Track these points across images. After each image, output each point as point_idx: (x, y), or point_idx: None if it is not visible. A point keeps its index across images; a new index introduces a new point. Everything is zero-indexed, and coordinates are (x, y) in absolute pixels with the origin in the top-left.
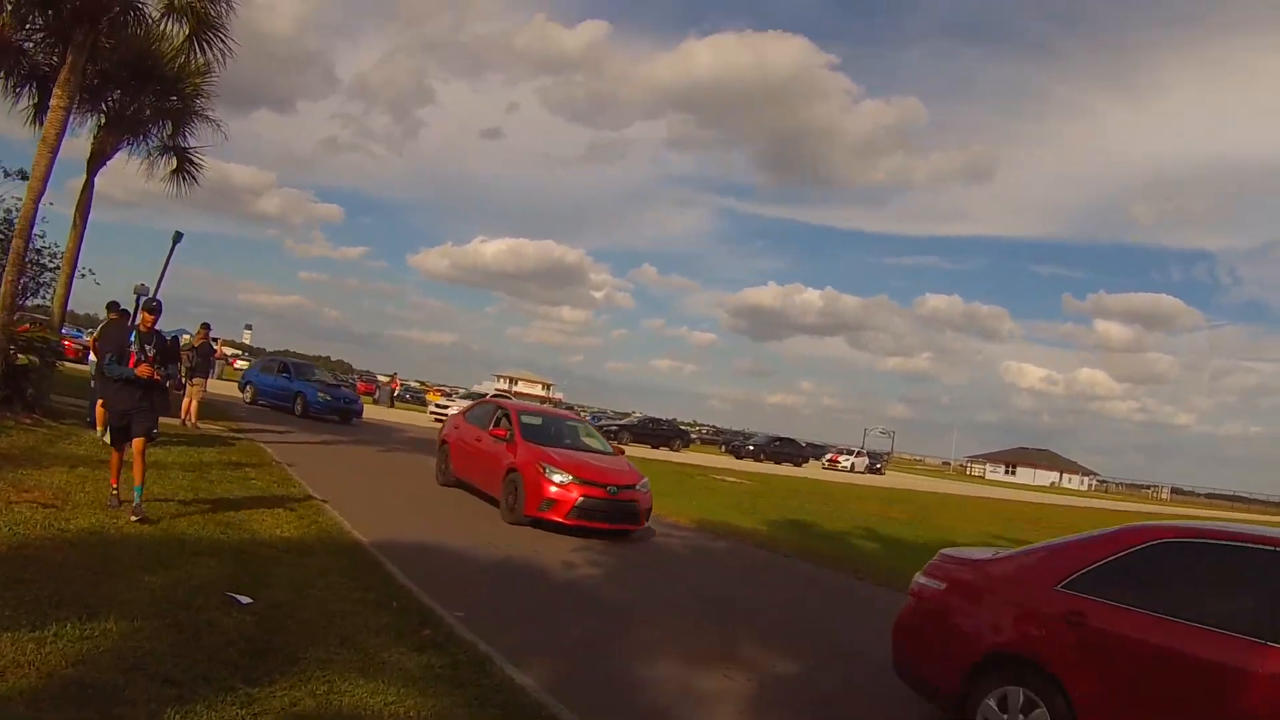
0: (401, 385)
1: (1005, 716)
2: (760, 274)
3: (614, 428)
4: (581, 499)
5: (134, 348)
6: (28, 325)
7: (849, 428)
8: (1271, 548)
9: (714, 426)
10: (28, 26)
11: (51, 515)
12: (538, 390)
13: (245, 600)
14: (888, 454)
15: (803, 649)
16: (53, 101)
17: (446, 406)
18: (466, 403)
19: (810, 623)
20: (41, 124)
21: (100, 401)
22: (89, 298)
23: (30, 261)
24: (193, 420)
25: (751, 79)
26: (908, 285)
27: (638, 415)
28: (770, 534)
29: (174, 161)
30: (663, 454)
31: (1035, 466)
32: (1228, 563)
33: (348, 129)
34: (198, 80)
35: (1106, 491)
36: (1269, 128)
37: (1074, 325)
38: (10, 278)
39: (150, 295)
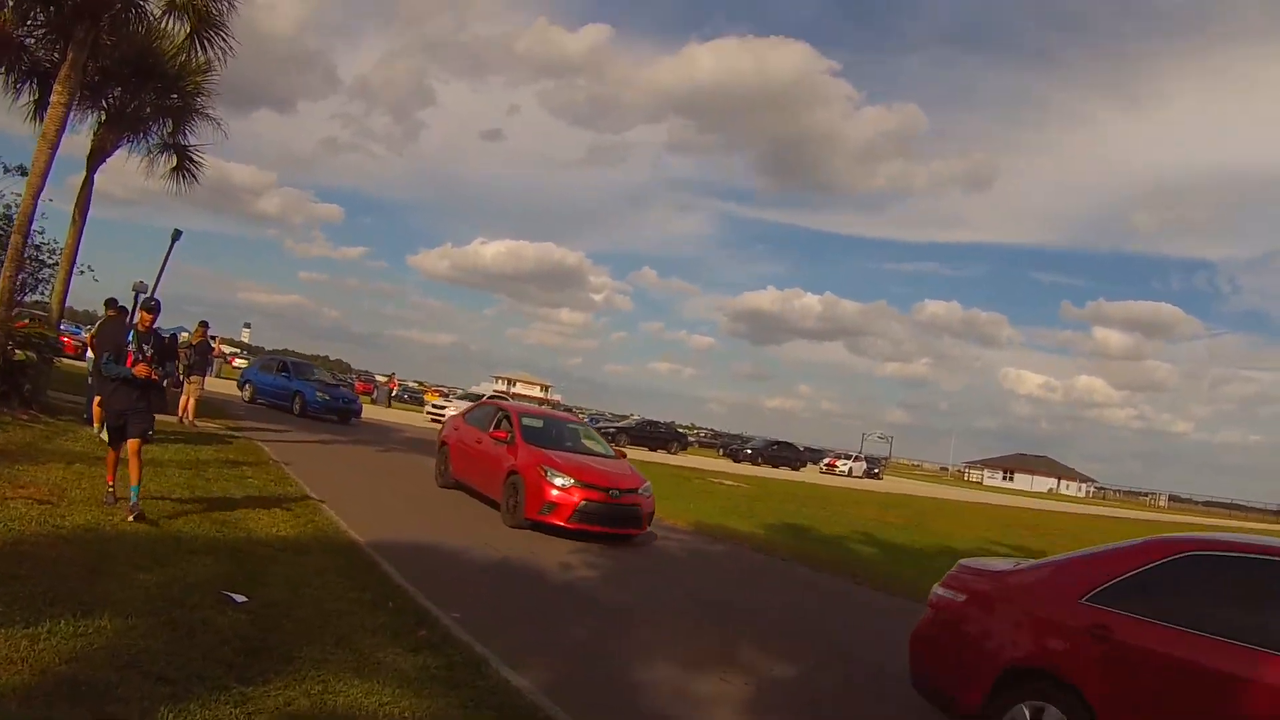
0: (399, 385)
1: None
2: (760, 278)
3: (612, 430)
4: (583, 503)
5: (132, 347)
6: (26, 321)
7: (847, 432)
8: None
9: (712, 430)
10: (29, 22)
11: (47, 511)
12: (536, 392)
13: (240, 599)
14: (886, 459)
15: (800, 652)
16: (53, 98)
17: (443, 407)
18: (463, 403)
19: (807, 626)
20: (42, 120)
21: (97, 399)
22: (87, 294)
23: (29, 257)
24: (190, 418)
25: (753, 84)
26: (907, 291)
27: (636, 418)
28: (768, 538)
29: (174, 159)
30: (660, 457)
31: (1033, 473)
32: (1257, 576)
33: (348, 129)
34: (198, 78)
35: (1104, 498)
36: (1270, 137)
37: (1073, 333)
38: (8, 273)
39: (149, 294)
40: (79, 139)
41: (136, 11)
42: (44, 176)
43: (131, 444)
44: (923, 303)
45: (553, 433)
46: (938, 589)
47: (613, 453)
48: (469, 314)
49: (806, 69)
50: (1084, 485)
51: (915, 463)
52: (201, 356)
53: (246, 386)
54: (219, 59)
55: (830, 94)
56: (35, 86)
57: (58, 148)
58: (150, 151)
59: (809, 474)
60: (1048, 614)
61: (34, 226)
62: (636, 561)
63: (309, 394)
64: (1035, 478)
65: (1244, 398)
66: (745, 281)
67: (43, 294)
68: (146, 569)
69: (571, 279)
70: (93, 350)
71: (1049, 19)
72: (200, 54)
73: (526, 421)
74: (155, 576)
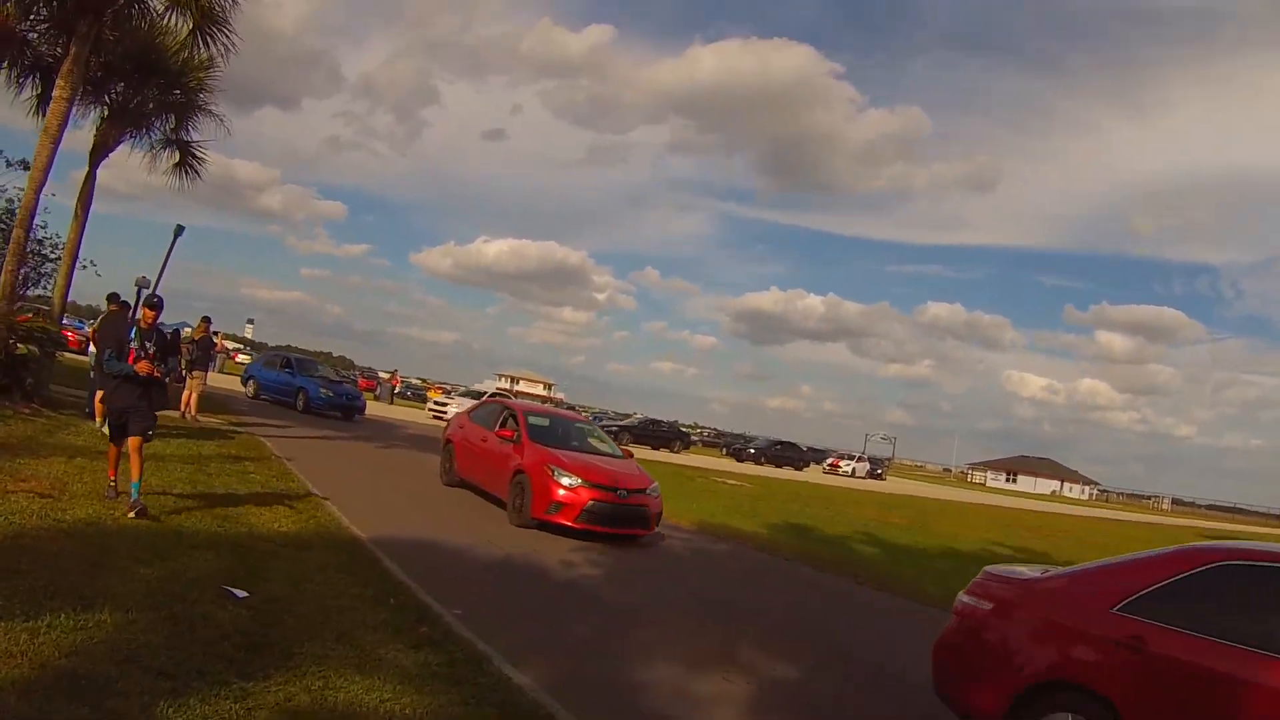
0: (402, 382)
1: None
2: (762, 279)
3: (615, 428)
4: (591, 503)
5: (134, 344)
6: (28, 315)
7: (849, 433)
8: None
9: (715, 429)
10: (32, 17)
11: (48, 505)
12: (539, 390)
13: (241, 594)
14: (889, 460)
15: (803, 651)
16: (55, 93)
17: (445, 404)
18: (466, 400)
19: (810, 626)
20: (44, 115)
21: (99, 394)
22: (90, 289)
23: (31, 252)
24: (192, 413)
25: (755, 85)
26: (910, 293)
27: (639, 416)
28: (770, 537)
29: (177, 155)
30: (663, 455)
31: (1036, 475)
32: None
33: (351, 128)
34: (201, 74)
35: (1107, 501)
36: (1273, 143)
37: (1076, 336)
38: (11, 267)
39: (151, 290)
40: (81, 134)
41: (139, 7)
42: (46, 171)
43: (132, 441)
44: (926, 304)
45: (559, 432)
46: (963, 596)
47: (620, 452)
48: (471, 312)
49: (809, 71)
50: (1087, 488)
51: (918, 464)
52: (204, 352)
53: (250, 382)
54: (222, 56)
55: (833, 96)
56: (38, 81)
57: (60, 143)
58: (153, 147)
59: (812, 474)
60: (1078, 624)
61: (36, 221)
62: (640, 560)
63: (312, 390)
64: (1038, 480)
65: (1246, 402)
66: (747, 282)
67: (45, 288)
68: (147, 563)
69: (574, 278)
70: (95, 345)
71: (1053, 26)
72: (203, 50)
73: (533, 420)
74: (156, 571)
